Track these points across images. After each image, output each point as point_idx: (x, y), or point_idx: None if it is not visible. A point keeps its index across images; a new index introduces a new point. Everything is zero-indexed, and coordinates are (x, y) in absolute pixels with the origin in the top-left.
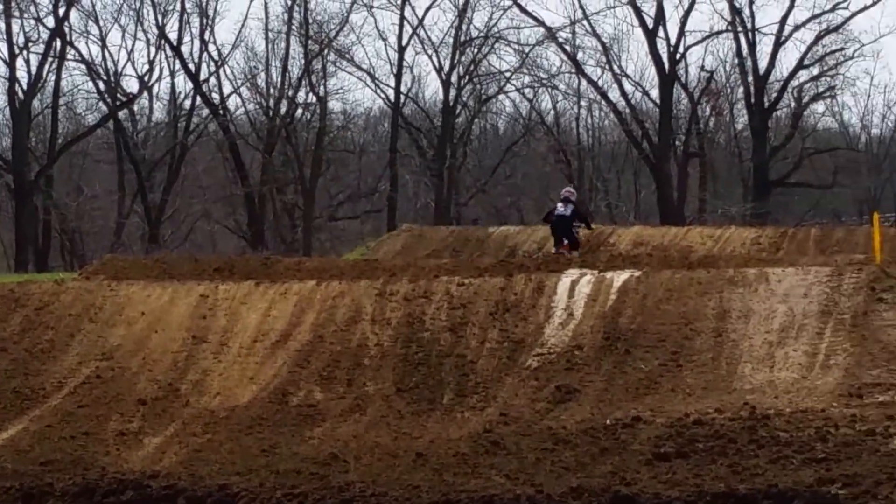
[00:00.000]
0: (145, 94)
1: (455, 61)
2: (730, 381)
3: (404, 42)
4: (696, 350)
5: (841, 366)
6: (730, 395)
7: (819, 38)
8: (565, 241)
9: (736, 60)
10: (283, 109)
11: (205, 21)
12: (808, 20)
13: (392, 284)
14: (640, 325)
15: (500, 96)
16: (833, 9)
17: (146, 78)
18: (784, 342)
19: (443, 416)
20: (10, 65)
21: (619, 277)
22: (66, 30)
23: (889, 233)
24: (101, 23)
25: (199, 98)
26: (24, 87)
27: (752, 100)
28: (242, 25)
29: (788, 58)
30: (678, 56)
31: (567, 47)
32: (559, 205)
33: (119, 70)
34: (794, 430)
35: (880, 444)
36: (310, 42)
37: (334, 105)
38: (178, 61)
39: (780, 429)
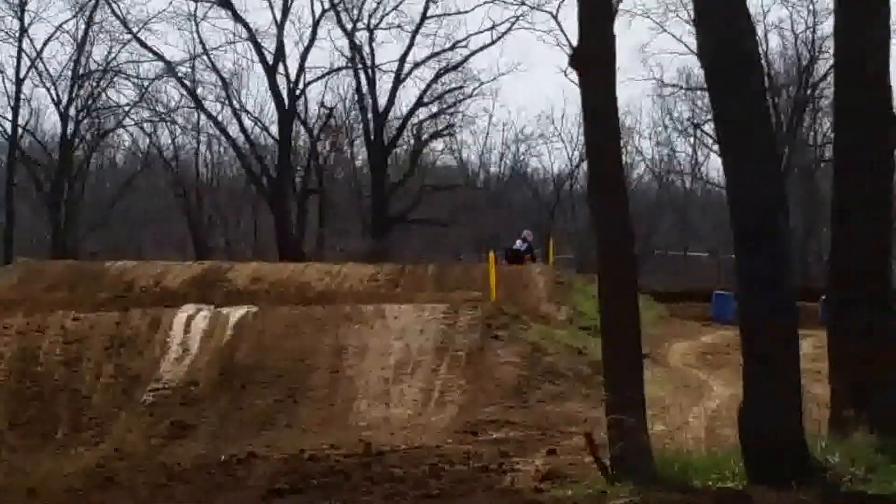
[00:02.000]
0: None
1: (73, 95)
2: (346, 417)
3: (22, 74)
4: (312, 386)
5: (456, 402)
6: (345, 431)
7: (438, 76)
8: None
9: (356, 97)
10: None
11: None
12: (428, 58)
13: (5, 318)
14: (257, 360)
15: (119, 130)
16: (452, 47)
17: None
18: (400, 379)
19: (56, 452)
20: None
21: (236, 313)
22: None
23: (505, 271)
24: None
25: None
26: None
27: (372, 136)
28: None
29: (408, 95)
30: (298, 92)
31: (186, 82)
32: (518, 241)
33: None
34: (408, 467)
35: (494, 480)
36: None
37: None
38: None
39: (394, 465)
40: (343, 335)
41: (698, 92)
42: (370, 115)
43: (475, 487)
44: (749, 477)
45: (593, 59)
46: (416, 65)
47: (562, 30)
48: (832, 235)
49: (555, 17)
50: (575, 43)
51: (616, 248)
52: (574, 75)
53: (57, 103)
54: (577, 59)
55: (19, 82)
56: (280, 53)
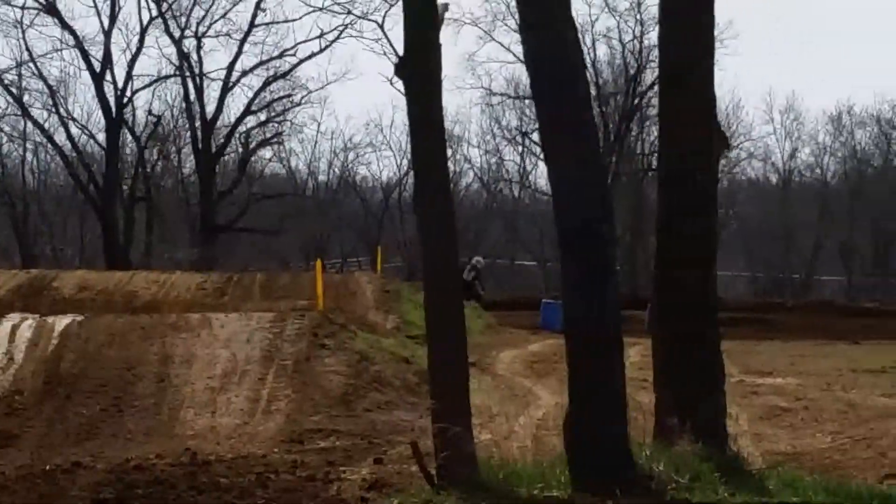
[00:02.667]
0: None
1: None
2: (172, 426)
3: None
4: (138, 395)
5: (283, 411)
6: (171, 440)
7: (267, 84)
8: None
9: (183, 105)
10: None
11: None
12: (256, 66)
13: None
14: (82, 370)
15: None
16: (280, 55)
17: None
18: (226, 388)
19: None
20: None
21: (62, 322)
22: None
23: (333, 279)
24: None
25: None
26: None
27: (200, 145)
28: None
29: (237, 103)
30: (125, 100)
31: (13, 89)
32: (465, 270)
33: None
34: (234, 476)
35: (320, 489)
36: None
37: None
38: None
39: (220, 474)
40: (169, 344)
41: (527, 101)
42: (198, 124)
43: (301, 497)
44: (574, 485)
45: (419, 68)
46: (245, 73)
47: (388, 39)
48: (657, 244)
49: (380, 27)
50: (401, 52)
51: (441, 256)
52: (401, 84)
53: None
54: (403, 68)
55: None
56: (107, 61)
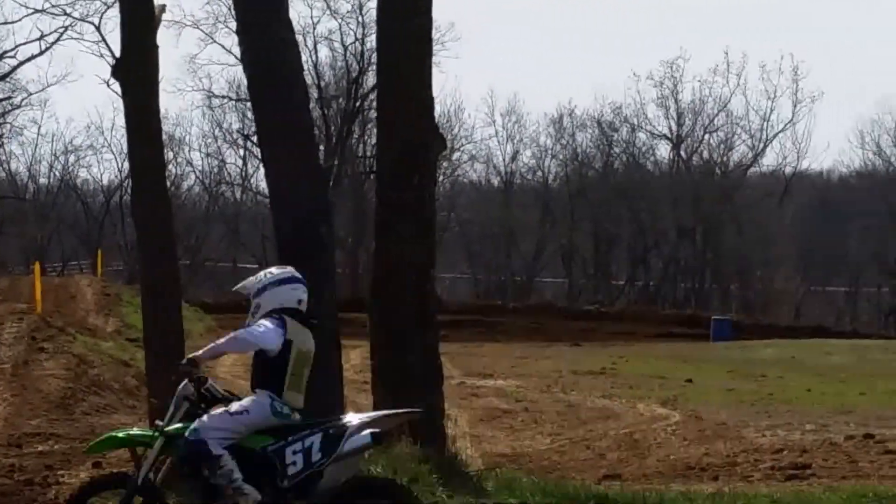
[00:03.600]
0: None
1: None
2: None
3: None
4: None
5: (1, 415)
6: None
7: None
8: None
9: None
10: None
11: None
12: None
13: None
14: None
15: None
16: (0, 57)
17: None
18: None
19: None
20: None
21: None
22: None
23: (53, 283)
24: None
25: None
26: None
27: None
28: None
29: None
30: None
31: None
32: None
33: None
34: None
35: (38, 493)
36: None
37: None
38: None
39: None
40: None
41: (248, 103)
42: None
43: (19, 501)
44: None
45: (135, 70)
46: None
47: (104, 41)
48: (375, 247)
49: (97, 28)
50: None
51: (159, 260)
52: (118, 86)
53: None
54: (119, 69)
55: None
56: None
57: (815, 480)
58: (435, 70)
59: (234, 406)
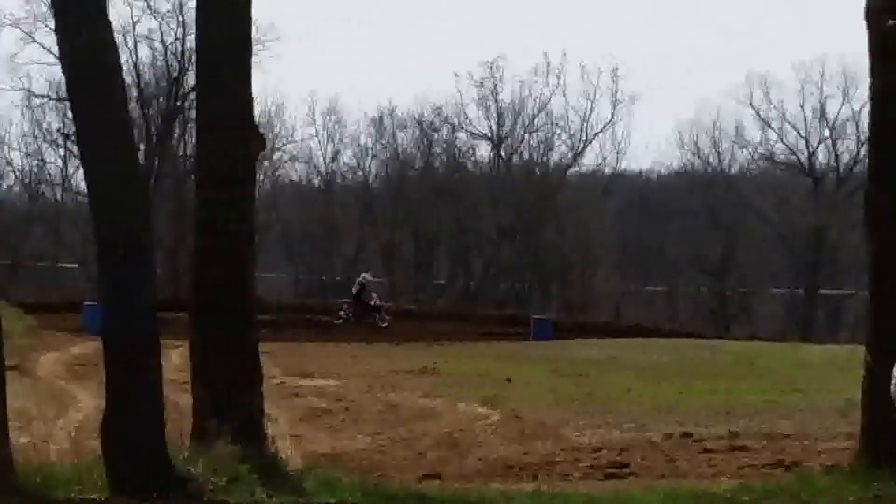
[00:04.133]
0: None
1: None
2: None
3: None
4: None
5: None
6: None
7: None
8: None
9: None
10: None
11: None
12: None
13: None
14: None
15: None
16: None
17: None
18: None
19: None
20: None
21: None
22: None
23: None
24: None
25: None
26: None
27: None
28: None
29: None
30: None
31: None
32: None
33: None
34: None
35: None
36: None
37: None
38: None
39: None
40: None
41: (68, 102)
42: None
43: None
44: (112, 488)
45: None
46: None
47: None
48: (194, 244)
49: None
50: None
51: None
52: None
53: None
54: None
55: None
56: None
57: (633, 479)
58: (256, 70)
59: None
